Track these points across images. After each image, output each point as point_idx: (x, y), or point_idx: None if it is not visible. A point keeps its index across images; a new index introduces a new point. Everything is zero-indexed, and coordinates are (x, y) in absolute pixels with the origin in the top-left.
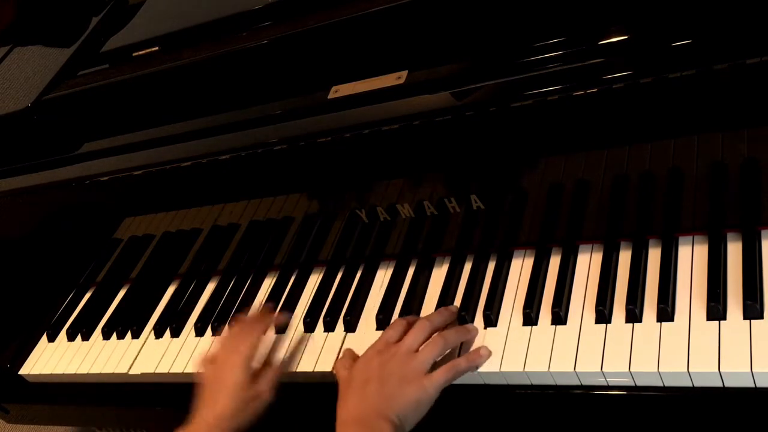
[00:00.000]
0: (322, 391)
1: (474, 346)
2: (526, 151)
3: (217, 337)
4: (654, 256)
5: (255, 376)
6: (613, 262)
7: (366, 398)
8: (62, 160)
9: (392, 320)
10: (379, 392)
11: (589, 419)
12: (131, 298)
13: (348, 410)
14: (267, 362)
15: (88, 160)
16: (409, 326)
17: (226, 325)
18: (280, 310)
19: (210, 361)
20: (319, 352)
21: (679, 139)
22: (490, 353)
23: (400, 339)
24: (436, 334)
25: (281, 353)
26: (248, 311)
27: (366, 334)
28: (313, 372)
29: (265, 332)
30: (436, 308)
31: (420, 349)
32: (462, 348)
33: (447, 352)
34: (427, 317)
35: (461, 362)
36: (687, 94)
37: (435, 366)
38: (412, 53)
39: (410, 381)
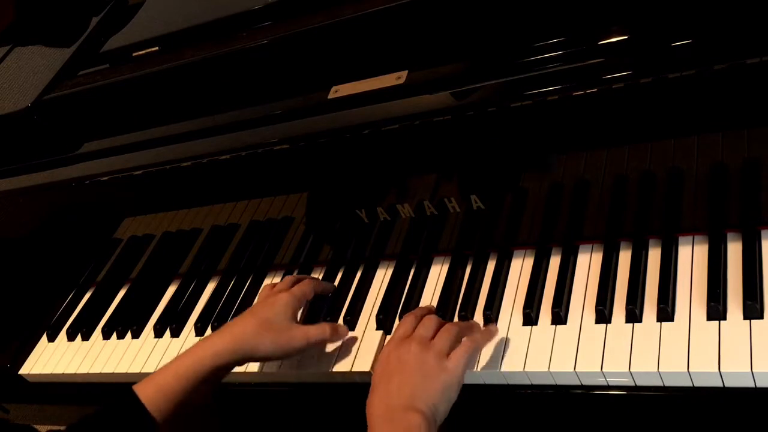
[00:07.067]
0: (318, 389)
1: None
2: (526, 151)
3: None
4: (654, 256)
5: (295, 324)
6: (613, 262)
7: (390, 393)
8: (62, 160)
9: (391, 321)
10: (401, 386)
11: (589, 419)
12: (131, 298)
13: (374, 408)
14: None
15: (88, 160)
16: (418, 320)
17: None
18: None
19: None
20: (320, 352)
21: (679, 139)
22: (497, 330)
23: (413, 331)
24: (448, 323)
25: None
26: None
27: (366, 334)
28: (314, 372)
29: (318, 288)
30: (437, 308)
31: (435, 337)
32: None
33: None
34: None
35: (477, 337)
36: (687, 94)
37: None
38: (412, 53)
39: (431, 368)
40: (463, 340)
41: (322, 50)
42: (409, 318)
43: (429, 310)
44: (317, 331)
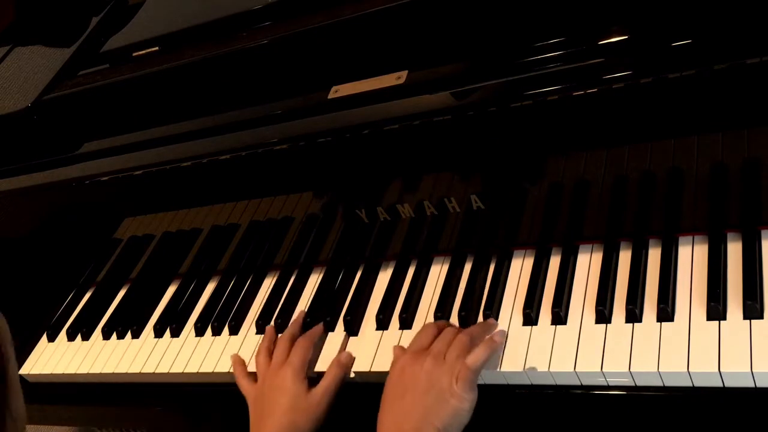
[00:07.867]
0: None
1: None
2: (526, 151)
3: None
4: (654, 256)
5: (309, 385)
6: (613, 262)
7: (403, 412)
8: (62, 160)
9: (391, 320)
10: (414, 406)
11: (589, 419)
12: (131, 298)
13: (384, 428)
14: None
15: (88, 160)
16: (440, 330)
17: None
18: (279, 311)
19: (261, 374)
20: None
21: (679, 139)
22: (505, 334)
23: (431, 344)
24: (460, 333)
25: None
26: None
27: (366, 335)
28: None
29: (314, 341)
30: (437, 308)
31: (446, 353)
32: None
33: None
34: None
35: (479, 352)
36: (687, 94)
37: None
38: (412, 53)
39: (444, 390)
40: (468, 357)
41: (322, 50)
42: (430, 329)
43: (454, 327)
44: (332, 379)
